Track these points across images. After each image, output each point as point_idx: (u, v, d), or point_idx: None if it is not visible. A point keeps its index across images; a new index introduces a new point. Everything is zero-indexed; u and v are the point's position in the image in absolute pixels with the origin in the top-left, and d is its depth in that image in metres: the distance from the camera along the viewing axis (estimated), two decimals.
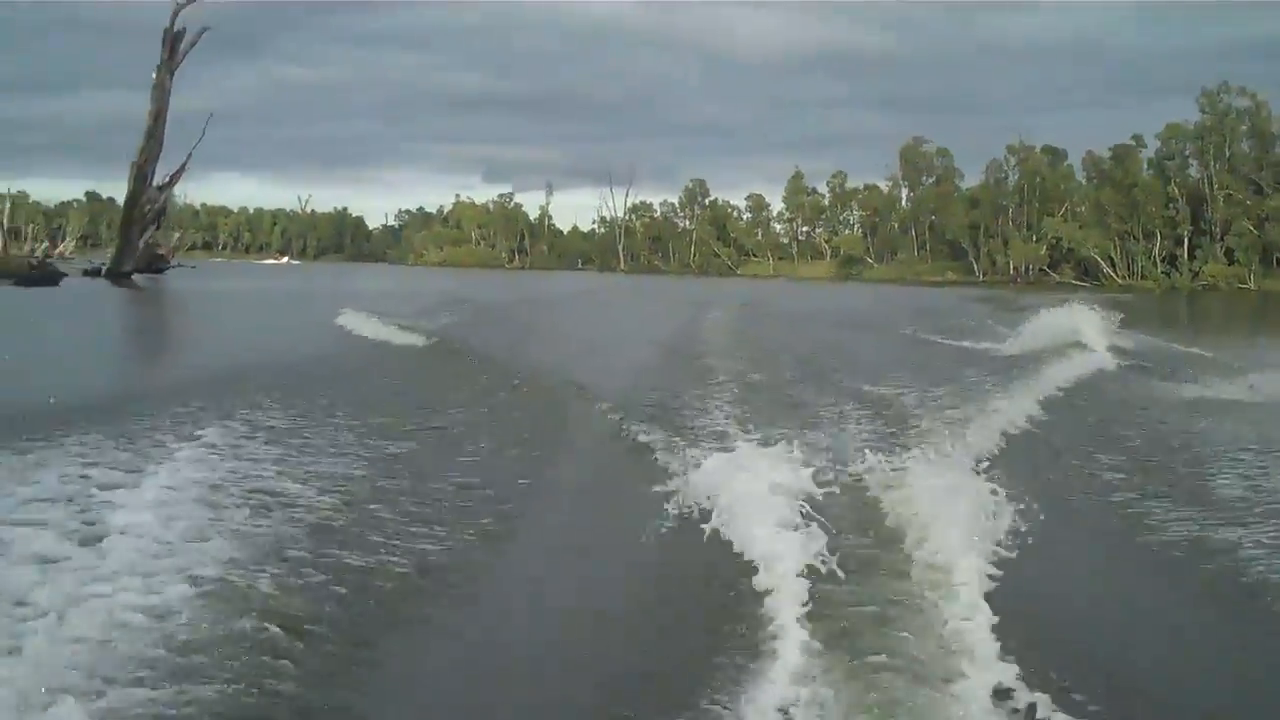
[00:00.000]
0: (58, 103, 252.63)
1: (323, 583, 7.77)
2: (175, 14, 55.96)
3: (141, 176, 55.57)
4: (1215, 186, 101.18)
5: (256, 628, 6.73)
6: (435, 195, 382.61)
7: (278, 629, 6.77)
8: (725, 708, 5.91)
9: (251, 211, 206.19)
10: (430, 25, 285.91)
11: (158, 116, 54.82)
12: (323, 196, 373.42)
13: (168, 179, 57.89)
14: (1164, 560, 9.40)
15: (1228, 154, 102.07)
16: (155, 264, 59.80)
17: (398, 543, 8.97)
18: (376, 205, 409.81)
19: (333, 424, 14.24)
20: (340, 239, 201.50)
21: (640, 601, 8.23)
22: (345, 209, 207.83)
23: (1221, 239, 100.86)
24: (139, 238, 58.31)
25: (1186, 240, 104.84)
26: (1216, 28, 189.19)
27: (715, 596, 7.80)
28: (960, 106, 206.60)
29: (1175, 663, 7.35)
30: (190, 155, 58.87)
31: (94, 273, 57.83)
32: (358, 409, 15.51)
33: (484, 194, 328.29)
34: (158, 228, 60.12)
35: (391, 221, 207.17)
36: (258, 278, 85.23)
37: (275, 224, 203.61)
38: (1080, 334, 26.71)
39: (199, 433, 12.61)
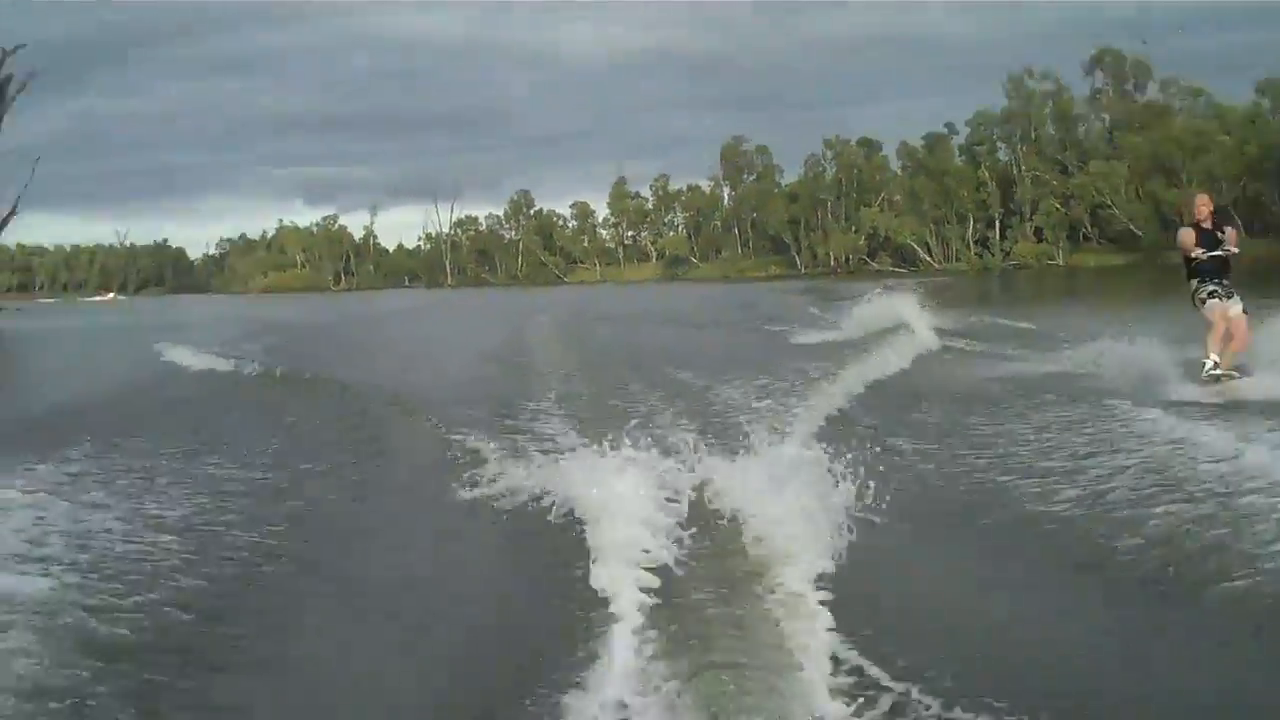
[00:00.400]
0: None
1: (148, 610, 7.55)
2: (1, 61, 55.33)
3: None
4: (1023, 168, 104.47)
5: (88, 664, 6.49)
6: (256, 221, 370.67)
7: (105, 661, 6.57)
8: (562, 705, 5.86)
9: (69, 249, 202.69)
10: (252, 50, 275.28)
11: None
12: (145, 229, 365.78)
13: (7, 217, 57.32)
14: (995, 533, 9.60)
15: (1034, 136, 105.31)
16: None
17: (227, 565, 8.83)
18: (198, 235, 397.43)
19: (149, 456, 13.83)
20: (161, 272, 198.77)
21: (478, 604, 8.19)
22: (165, 241, 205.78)
23: (1030, 219, 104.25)
24: None
25: (998, 222, 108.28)
26: (1031, 13, 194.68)
27: (552, 595, 7.80)
28: (784, 103, 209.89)
29: (1012, 633, 7.40)
30: (19, 199, 58.53)
31: None
32: (178, 439, 15.27)
33: (307, 217, 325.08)
34: None
35: (213, 251, 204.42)
36: (83, 316, 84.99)
37: (93, 261, 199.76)
38: (902, 317, 27.20)
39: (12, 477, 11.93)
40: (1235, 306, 17.13)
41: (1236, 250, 17.25)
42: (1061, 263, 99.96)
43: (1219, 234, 17.21)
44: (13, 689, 6.04)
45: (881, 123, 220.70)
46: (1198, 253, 17.06)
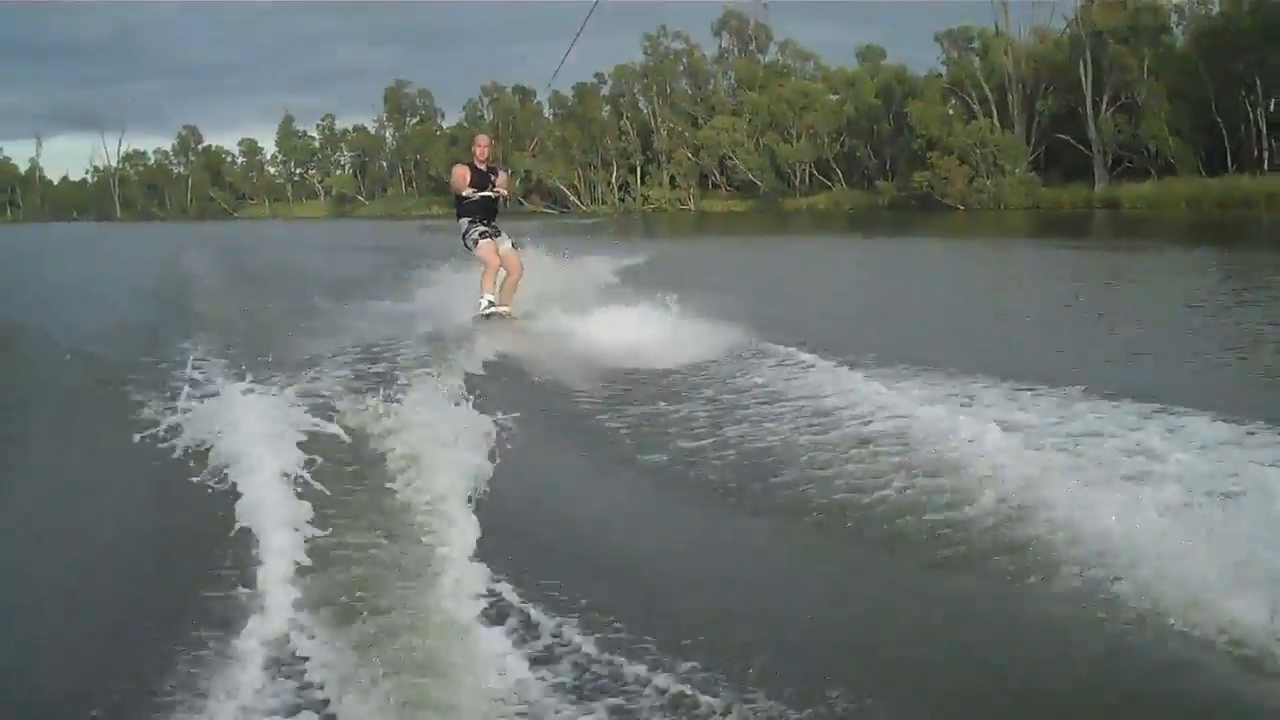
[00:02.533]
0: None
1: None
2: None
3: None
4: (659, 120, 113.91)
5: None
6: None
7: None
8: (206, 669, 5.64)
9: None
10: None
11: None
12: None
13: None
14: (634, 463, 9.75)
15: (669, 91, 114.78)
16: None
17: None
18: None
19: None
20: None
21: (129, 556, 7.79)
22: None
23: (665, 166, 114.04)
24: None
25: (639, 169, 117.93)
26: None
27: (204, 548, 7.41)
28: (452, 40, 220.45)
29: (650, 558, 7.58)
30: None
31: None
32: None
33: None
34: None
35: None
36: None
37: None
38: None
39: None
40: (505, 244, 18.00)
41: (505, 194, 18.15)
42: (693, 208, 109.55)
43: (492, 176, 17.87)
44: None
45: (545, 63, 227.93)
46: (468, 192, 17.67)
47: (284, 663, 5.68)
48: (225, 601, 6.46)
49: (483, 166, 17.92)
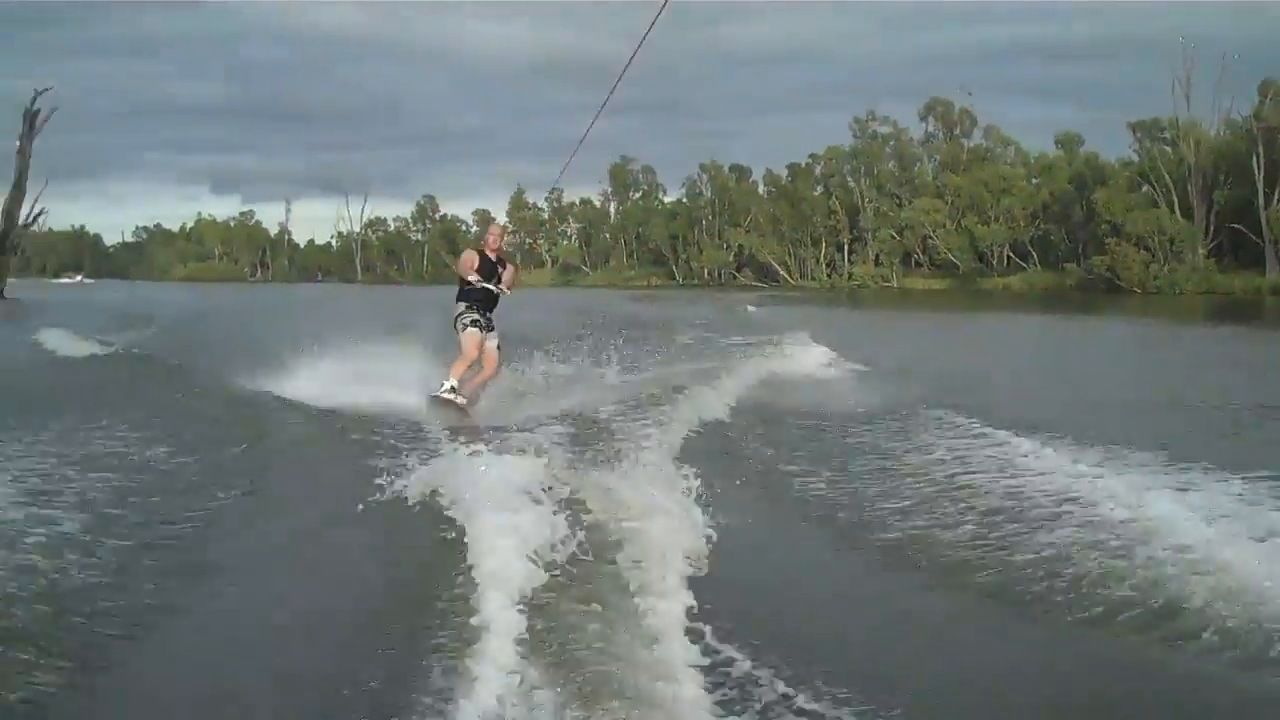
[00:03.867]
0: None
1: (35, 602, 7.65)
2: (34, 98, 72.73)
3: (8, 216, 72.56)
4: (865, 200, 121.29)
5: None
6: (162, 207, 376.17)
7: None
8: (437, 706, 5.88)
9: None
10: (152, 33, 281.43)
11: (22, 172, 71.82)
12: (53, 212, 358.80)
13: (30, 219, 74.90)
14: (839, 533, 10.26)
15: (875, 172, 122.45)
16: None
17: (97, 560, 8.79)
18: (98, 219, 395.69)
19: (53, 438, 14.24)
20: (80, 257, 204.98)
21: (356, 598, 8.15)
22: (83, 227, 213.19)
23: (870, 245, 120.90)
24: (8, 264, 75.50)
25: (846, 247, 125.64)
26: (936, 34, 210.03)
27: (431, 594, 7.64)
28: (680, 112, 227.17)
29: (858, 628, 7.88)
30: (39, 205, 75.88)
31: None
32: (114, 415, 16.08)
33: (213, 205, 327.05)
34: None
35: (129, 238, 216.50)
36: (84, 293, 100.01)
37: None
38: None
39: None
40: (492, 341, 17.71)
41: (508, 292, 17.83)
42: (895, 285, 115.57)
43: (500, 267, 17.74)
44: None
45: (775, 136, 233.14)
46: (474, 278, 17.46)
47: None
48: (449, 649, 6.63)
49: (492, 256, 17.88)
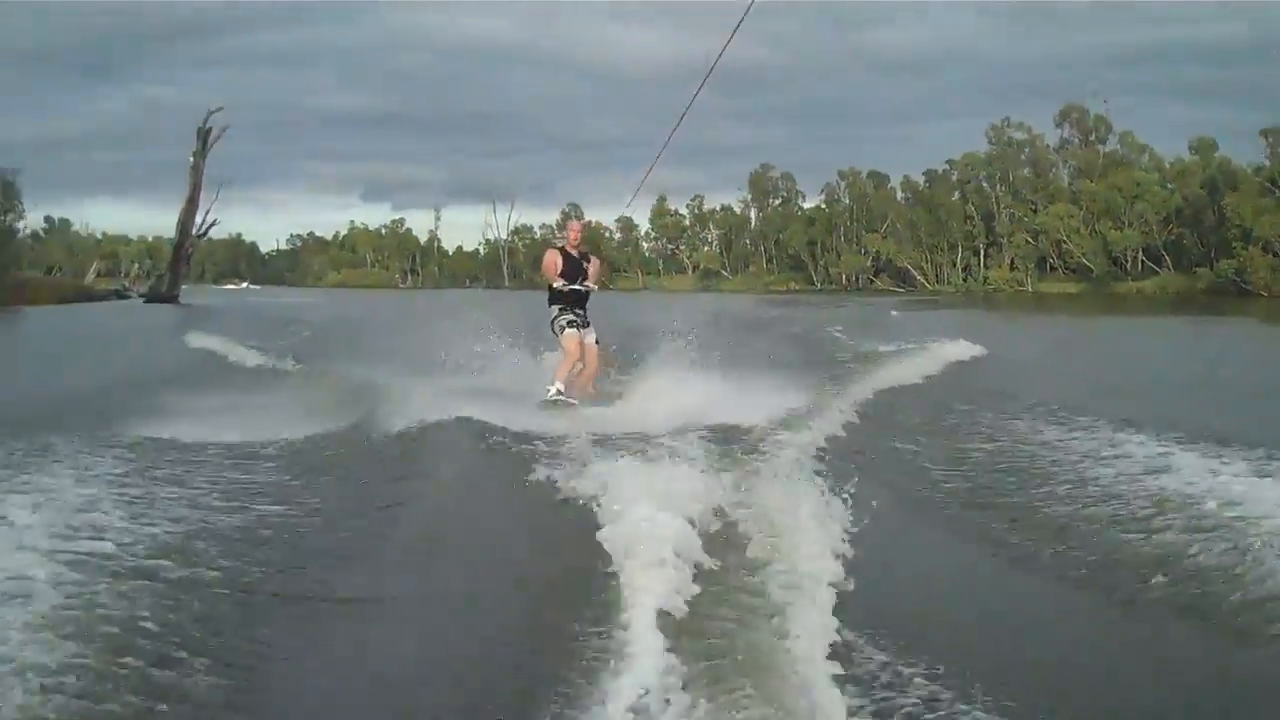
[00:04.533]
0: None
1: (198, 593, 7.78)
2: (207, 116, 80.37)
3: (184, 227, 79.75)
4: (1001, 205, 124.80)
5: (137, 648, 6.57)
6: (313, 215, 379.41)
7: (165, 646, 6.71)
8: (582, 707, 5.93)
9: (151, 239, 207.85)
10: (305, 45, 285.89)
11: (196, 187, 79.08)
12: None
13: (204, 229, 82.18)
14: (1005, 542, 9.87)
15: (1011, 178, 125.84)
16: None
17: (268, 553, 9.04)
18: (252, 227, 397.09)
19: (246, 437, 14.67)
20: (236, 264, 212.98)
21: (511, 599, 8.24)
22: (239, 235, 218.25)
23: (1005, 250, 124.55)
24: (183, 271, 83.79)
25: (981, 251, 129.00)
26: (1083, 35, 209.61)
27: (581, 598, 7.65)
28: (832, 116, 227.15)
29: (1038, 643, 7.56)
30: (211, 216, 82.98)
31: (154, 298, 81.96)
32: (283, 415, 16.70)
33: (364, 213, 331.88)
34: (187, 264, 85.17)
35: (283, 246, 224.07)
36: (251, 298, 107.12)
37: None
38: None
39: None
40: (590, 337, 17.93)
41: (595, 287, 18.10)
42: (1030, 289, 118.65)
43: (584, 263, 17.95)
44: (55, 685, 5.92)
45: (915, 141, 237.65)
46: (559, 283, 17.63)
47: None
48: (596, 645, 6.72)
49: (574, 252, 18.07)
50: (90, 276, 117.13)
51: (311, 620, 7.70)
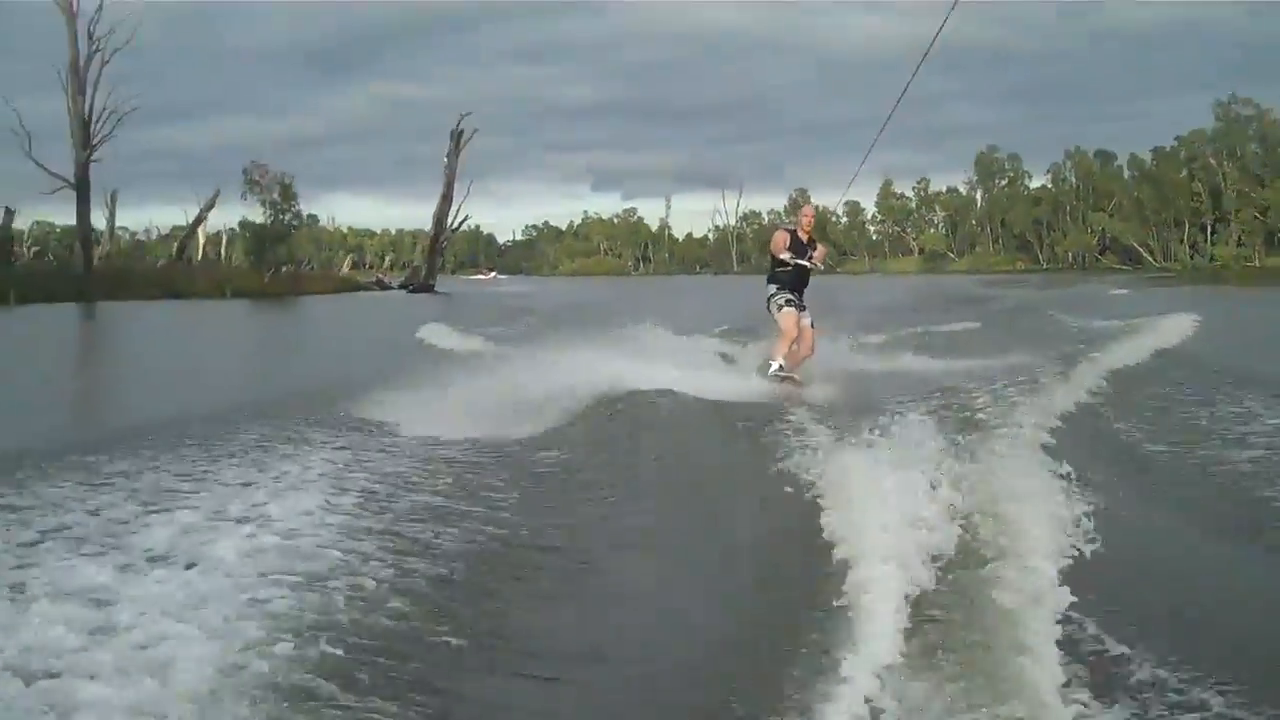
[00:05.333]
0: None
1: (420, 579, 7.89)
2: (460, 120, 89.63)
3: (439, 221, 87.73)
4: (1228, 182, 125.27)
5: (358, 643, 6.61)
6: (543, 206, 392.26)
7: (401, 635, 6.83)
8: (806, 700, 5.80)
9: (394, 233, 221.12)
10: (540, 40, 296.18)
11: (449, 184, 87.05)
12: (427, 211, 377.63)
13: (456, 224, 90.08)
14: (1245, 530, 9.47)
15: (1239, 154, 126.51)
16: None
17: (487, 541, 9.12)
18: (487, 217, 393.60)
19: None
20: (475, 254, 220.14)
21: (738, 587, 8.23)
22: (477, 226, 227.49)
23: (1232, 226, 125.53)
24: (438, 263, 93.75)
25: (1209, 228, 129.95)
26: None
27: (810, 584, 7.61)
28: (1068, 95, 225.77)
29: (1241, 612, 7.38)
30: (462, 212, 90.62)
31: (416, 288, 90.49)
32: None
33: (594, 202, 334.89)
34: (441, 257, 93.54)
35: (519, 236, 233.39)
36: (498, 287, 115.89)
37: (415, 243, 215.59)
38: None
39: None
40: (807, 319, 18.09)
41: (821, 266, 18.35)
42: (1259, 264, 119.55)
43: (810, 248, 18.13)
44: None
45: (1145, 119, 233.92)
46: (786, 255, 17.83)
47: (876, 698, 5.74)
48: (831, 626, 6.66)
49: (804, 237, 18.25)
50: (345, 268, 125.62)
51: (538, 608, 7.73)
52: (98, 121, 70.45)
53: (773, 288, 18.27)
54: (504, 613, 7.58)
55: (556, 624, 7.52)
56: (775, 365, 17.77)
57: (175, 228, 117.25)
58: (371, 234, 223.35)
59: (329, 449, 12.52)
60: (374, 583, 7.66)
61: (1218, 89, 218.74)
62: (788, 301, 18.05)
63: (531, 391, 17.14)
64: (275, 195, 79.59)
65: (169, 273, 78.98)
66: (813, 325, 18.43)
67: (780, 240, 18.24)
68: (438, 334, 32.51)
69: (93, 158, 70.61)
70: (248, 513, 9.26)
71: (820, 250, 18.48)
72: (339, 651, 6.37)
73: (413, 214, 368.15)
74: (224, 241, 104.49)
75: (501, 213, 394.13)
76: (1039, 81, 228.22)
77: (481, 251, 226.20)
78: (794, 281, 18.17)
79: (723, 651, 6.95)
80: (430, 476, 11.42)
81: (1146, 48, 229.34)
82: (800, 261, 18.01)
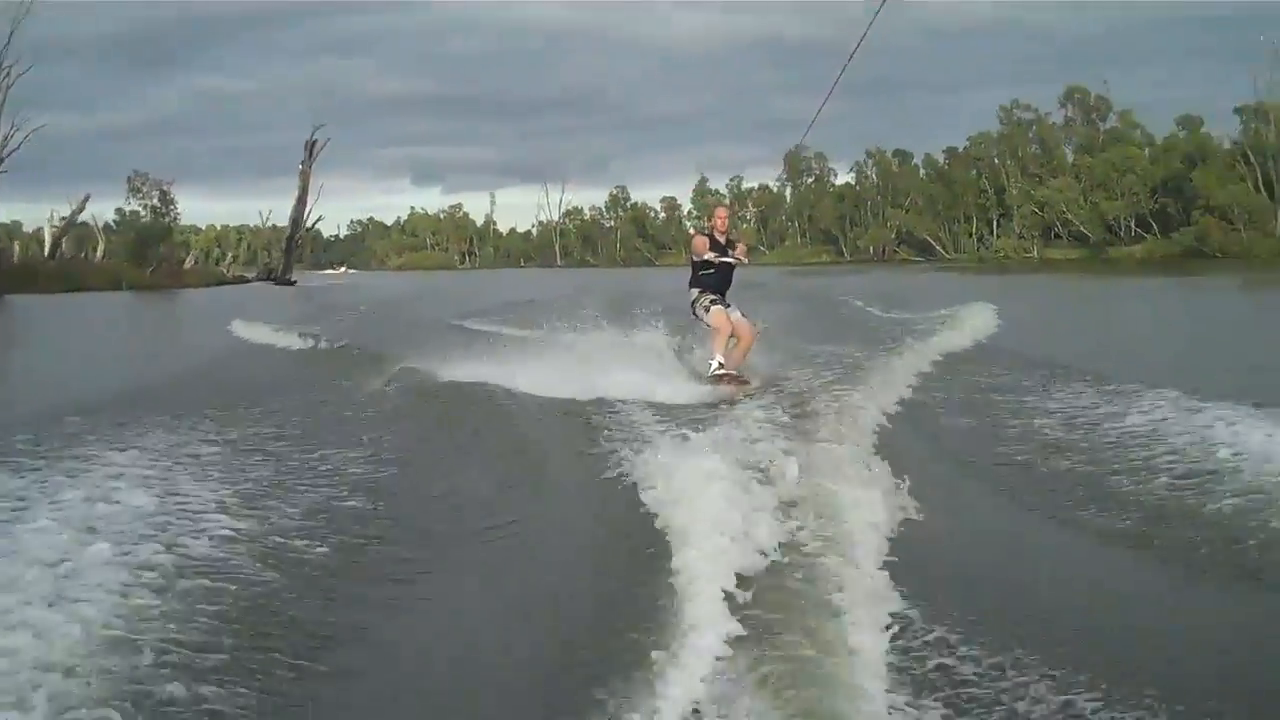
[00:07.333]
0: None
1: (263, 586, 8.09)
2: (313, 131, 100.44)
3: (295, 222, 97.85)
4: (1010, 180, 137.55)
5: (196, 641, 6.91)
6: (363, 199, 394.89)
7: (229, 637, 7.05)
8: (640, 693, 5.99)
9: (219, 228, 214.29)
10: (362, 32, 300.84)
11: (304, 188, 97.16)
12: (250, 207, 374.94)
13: (309, 225, 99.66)
14: (1054, 509, 10.30)
15: (1020, 154, 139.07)
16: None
17: (312, 543, 9.31)
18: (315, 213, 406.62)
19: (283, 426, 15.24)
20: (302, 249, 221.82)
21: (570, 583, 8.48)
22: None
23: (1014, 221, 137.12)
24: (293, 259, 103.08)
25: (993, 222, 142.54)
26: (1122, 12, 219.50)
27: (642, 577, 7.90)
28: (892, 88, 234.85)
29: (1094, 608, 7.82)
30: (315, 216, 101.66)
31: (278, 281, 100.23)
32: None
33: (414, 197, 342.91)
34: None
35: (344, 231, 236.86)
36: (360, 281, 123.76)
37: (241, 239, 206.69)
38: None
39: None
40: (735, 312, 18.20)
41: (745, 261, 18.62)
42: (1036, 256, 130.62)
43: (730, 249, 18.25)
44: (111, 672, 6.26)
45: (974, 109, 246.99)
46: (711, 255, 17.97)
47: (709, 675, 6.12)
48: (654, 625, 6.87)
49: (721, 238, 18.08)
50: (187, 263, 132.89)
51: (372, 616, 7.85)
52: None
53: (695, 291, 18.55)
54: (299, 618, 7.61)
55: (366, 626, 7.65)
56: (714, 363, 17.96)
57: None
58: (197, 229, 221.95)
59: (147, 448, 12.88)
60: (191, 584, 7.88)
61: (1025, 85, 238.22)
62: (713, 302, 18.31)
63: (357, 395, 18.56)
64: (155, 200, 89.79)
65: (72, 268, 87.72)
66: (745, 316, 18.76)
67: (701, 244, 18.56)
68: (250, 330, 33.72)
69: None
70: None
71: (740, 247, 18.84)
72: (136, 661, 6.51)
73: (236, 210, 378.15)
74: (100, 241, 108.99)
75: (323, 207, 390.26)
76: (848, 78, 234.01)
77: (308, 246, 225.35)
78: (718, 283, 18.49)
79: (543, 651, 7.10)
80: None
81: (955, 44, 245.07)
82: (725, 259, 18.37)
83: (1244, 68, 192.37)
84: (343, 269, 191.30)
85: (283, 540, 9.36)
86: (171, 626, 7.12)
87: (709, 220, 19.29)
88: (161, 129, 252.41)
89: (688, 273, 18.97)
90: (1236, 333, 30.34)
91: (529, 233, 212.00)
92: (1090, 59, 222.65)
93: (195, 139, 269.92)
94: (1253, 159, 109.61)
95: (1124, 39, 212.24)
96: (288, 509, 10.47)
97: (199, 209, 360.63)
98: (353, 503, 11.00)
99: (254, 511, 10.21)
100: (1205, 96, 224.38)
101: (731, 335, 18.20)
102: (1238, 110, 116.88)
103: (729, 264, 18.37)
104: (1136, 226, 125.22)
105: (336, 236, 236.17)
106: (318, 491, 11.29)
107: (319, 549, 9.20)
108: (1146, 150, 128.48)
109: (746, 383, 17.78)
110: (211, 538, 9.17)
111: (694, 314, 18.63)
